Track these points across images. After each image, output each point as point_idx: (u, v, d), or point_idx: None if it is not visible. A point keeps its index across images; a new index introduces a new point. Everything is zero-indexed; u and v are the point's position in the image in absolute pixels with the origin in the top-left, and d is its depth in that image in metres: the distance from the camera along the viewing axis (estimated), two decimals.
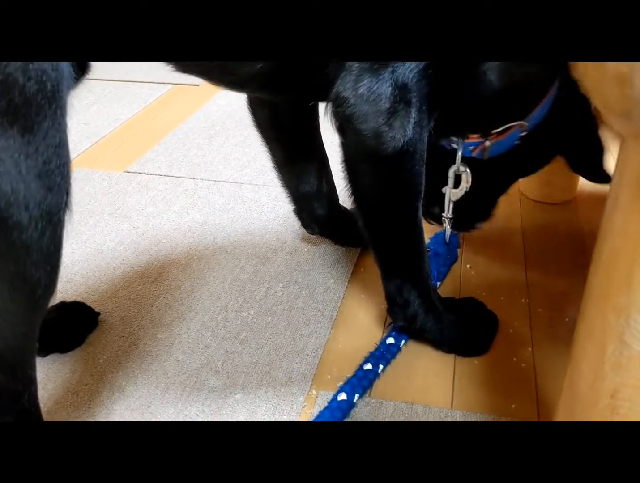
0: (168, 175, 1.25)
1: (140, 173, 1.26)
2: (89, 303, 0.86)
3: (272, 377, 0.75)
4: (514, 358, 0.78)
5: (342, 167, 0.69)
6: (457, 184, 0.80)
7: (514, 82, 0.70)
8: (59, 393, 0.74)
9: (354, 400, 0.70)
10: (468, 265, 0.96)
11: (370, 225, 0.72)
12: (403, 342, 0.80)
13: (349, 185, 0.70)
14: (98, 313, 0.85)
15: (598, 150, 0.84)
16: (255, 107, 0.88)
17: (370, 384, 0.73)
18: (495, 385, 0.74)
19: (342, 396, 0.69)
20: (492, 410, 0.71)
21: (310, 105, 0.88)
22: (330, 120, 0.65)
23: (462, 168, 0.78)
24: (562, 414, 0.44)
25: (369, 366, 0.74)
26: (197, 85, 1.77)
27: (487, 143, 0.76)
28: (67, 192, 0.48)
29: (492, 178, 0.84)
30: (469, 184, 0.78)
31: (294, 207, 0.97)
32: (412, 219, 0.70)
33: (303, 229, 1.01)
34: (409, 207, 0.69)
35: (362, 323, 0.85)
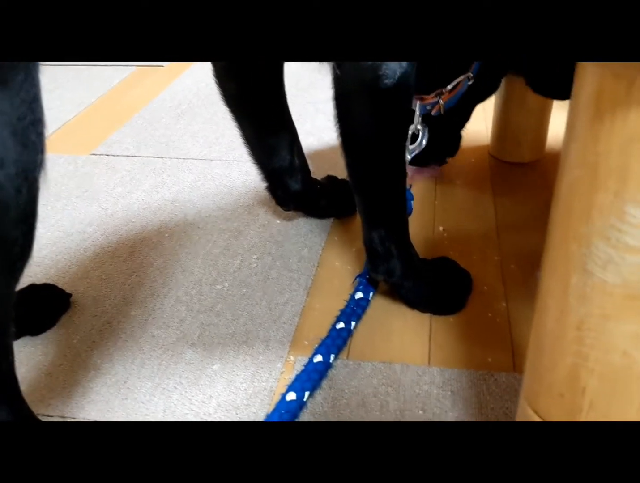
0: (136, 156, 1.23)
1: (107, 155, 1.24)
2: (60, 286, 0.85)
3: (249, 346, 0.75)
4: (489, 314, 0.79)
5: (335, 104, 0.68)
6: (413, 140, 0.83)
7: None
8: (32, 376, 0.72)
9: (330, 361, 0.70)
10: (441, 228, 0.96)
11: (359, 166, 0.72)
12: (371, 294, 0.80)
13: (340, 123, 0.69)
14: (69, 295, 0.84)
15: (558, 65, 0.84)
16: (223, 80, 0.86)
17: (344, 343, 0.73)
18: (471, 340, 0.75)
19: (318, 358, 0.69)
20: (469, 364, 0.71)
21: (278, 77, 0.87)
22: None
23: (419, 127, 0.79)
24: (532, 353, 0.45)
25: (341, 325, 0.74)
26: (162, 66, 1.74)
27: (441, 102, 0.78)
28: (42, 150, 0.46)
29: (450, 122, 0.86)
30: (426, 141, 0.80)
31: (267, 184, 0.95)
32: (401, 160, 0.70)
33: (275, 203, 1.00)
34: (398, 145, 0.69)
35: (338, 289, 0.85)
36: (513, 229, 0.95)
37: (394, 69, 0.61)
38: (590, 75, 0.32)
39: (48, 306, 0.81)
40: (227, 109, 0.89)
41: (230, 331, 0.78)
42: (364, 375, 0.70)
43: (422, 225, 0.97)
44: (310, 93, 1.48)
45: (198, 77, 1.63)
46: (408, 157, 0.79)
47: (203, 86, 1.56)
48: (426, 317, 0.79)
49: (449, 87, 0.82)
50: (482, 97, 0.94)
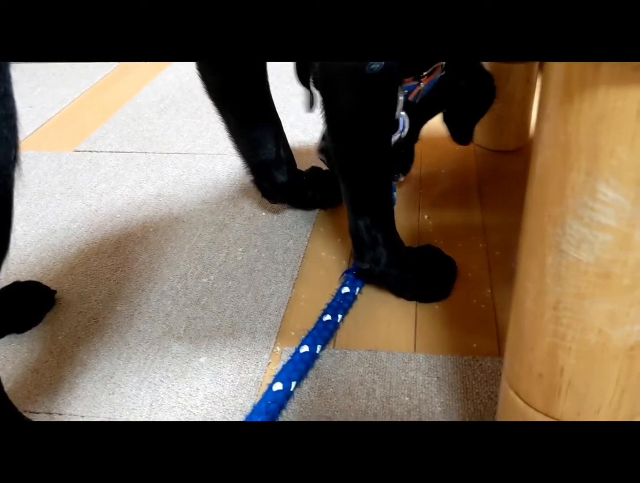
0: (119, 151, 1.22)
1: (90, 151, 1.23)
2: (44, 283, 0.84)
3: (235, 339, 0.75)
4: (474, 300, 0.79)
5: (321, 90, 0.68)
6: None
7: None
8: (18, 373, 0.72)
9: (317, 352, 0.70)
10: (425, 216, 0.97)
11: (345, 152, 0.72)
12: (358, 289, 0.81)
13: (326, 109, 0.69)
14: (54, 292, 0.83)
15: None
16: (206, 72, 0.86)
17: (331, 335, 0.73)
18: (457, 327, 0.75)
19: (305, 348, 0.69)
20: (455, 350, 0.72)
21: (261, 69, 0.87)
22: None
23: (402, 113, 0.79)
24: (512, 335, 0.45)
25: (327, 317, 0.74)
26: (145, 61, 1.73)
27: (422, 85, 0.79)
28: (15, 146, 0.46)
29: (425, 114, 0.89)
30: (407, 128, 0.80)
31: (252, 177, 0.95)
32: (387, 146, 0.71)
33: (260, 195, 1.00)
34: (384, 130, 0.69)
35: (324, 280, 0.85)
36: (498, 216, 0.95)
37: None
38: None
39: (33, 303, 0.80)
40: (211, 101, 0.89)
41: (217, 324, 0.78)
42: (350, 363, 0.70)
43: (406, 213, 0.97)
44: (293, 85, 1.47)
45: (181, 71, 1.62)
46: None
47: (186, 81, 1.55)
48: (412, 304, 0.79)
49: (428, 70, 0.83)
50: (435, 110, 0.93)
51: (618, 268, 0.34)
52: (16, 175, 0.48)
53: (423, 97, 0.85)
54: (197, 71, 0.85)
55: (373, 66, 0.62)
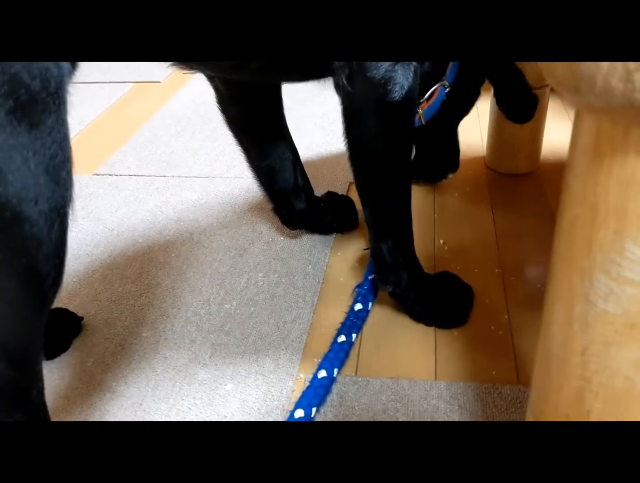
0: (138, 175, 1.25)
1: (109, 175, 1.26)
2: (71, 309, 0.87)
3: (259, 365, 0.77)
4: (492, 327, 0.81)
5: (345, 120, 0.71)
6: None
7: None
8: (49, 400, 0.74)
9: (334, 375, 0.73)
10: (441, 241, 0.99)
11: (368, 179, 0.74)
12: (370, 304, 0.84)
13: (350, 138, 0.72)
14: (81, 318, 0.85)
15: (518, 90, 0.91)
16: (226, 106, 0.89)
17: (346, 355, 0.76)
18: (476, 353, 0.77)
19: (322, 373, 0.72)
20: (474, 377, 0.74)
21: (277, 101, 0.90)
22: (338, 73, 0.66)
23: None
24: (538, 375, 0.47)
25: (342, 338, 0.77)
26: (159, 82, 1.76)
27: (420, 111, 0.82)
28: (71, 186, 0.49)
29: (438, 135, 0.93)
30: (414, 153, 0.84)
31: (272, 205, 0.98)
32: (407, 171, 0.73)
33: (277, 218, 1.03)
34: (405, 157, 0.72)
35: (343, 305, 0.87)
36: (512, 240, 0.97)
37: (401, 83, 0.65)
38: (588, 119, 0.35)
39: (61, 330, 0.83)
40: (231, 133, 0.91)
41: (241, 350, 0.80)
42: (373, 391, 0.72)
43: (422, 238, 0.99)
44: (306, 106, 1.50)
45: (195, 93, 1.65)
46: None
47: (200, 102, 1.58)
48: (431, 331, 0.81)
49: (426, 95, 0.86)
50: (465, 108, 0.98)
51: None
52: (70, 213, 0.51)
53: (433, 115, 0.88)
54: (217, 105, 0.88)
55: (395, 94, 0.65)
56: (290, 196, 0.94)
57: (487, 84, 1.16)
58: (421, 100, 0.85)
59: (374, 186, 0.75)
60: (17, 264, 0.47)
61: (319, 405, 0.70)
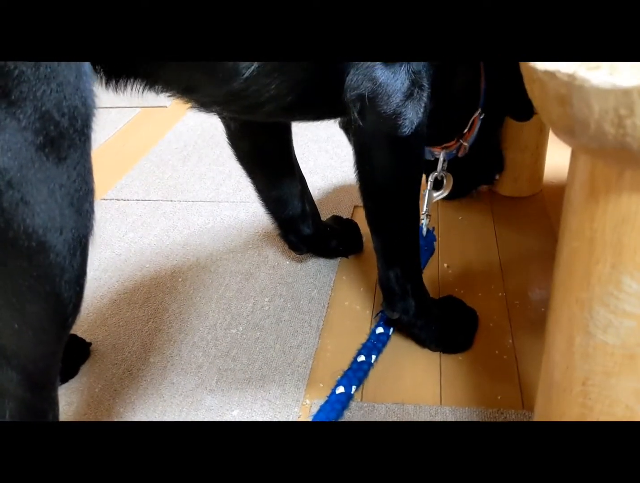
0: (145, 200, 1.26)
1: (117, 199, 1.28)
2: (79, 334, 0.88)
3: (266, 391, 0.78)
4: (496, 351, 0.82)
5: (356, 153, 0.73)
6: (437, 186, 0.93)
7: (469, 82, 0.80)
8: None
9: (352, 392, 0.74)
10: (445, 265, 1.00)
11: (379, 209, 0.76)
12: (392, 329, 0.85)
13: (360, 170, 0.74)
14: (89, 343, 0.87)
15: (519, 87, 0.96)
16: (236, 139, 0.91)
17: (365, 375, 0.78)
18: (481, 378, 0.78)
19: (340, 389, 0.73)
20: (480, 403, 0.74)
21: (287, 134, 0.92)
22: (350, 108, 0.68)
23: (442, 174, 0.84)
24: (541, 402, 0.48)
25: (362, 358, 0.79)
26: (166, 107, 1.79)
27: (465, 144, 0.84)
28: (93, 217, 0.51)
29: (482, 151, 0.97)
30: (450, 186, 0.86)
31: (279, 231, 0.99)
32: (416, 202, 0.75)
33: (283, 242, 1.04)
34: (415, 189, 0.74)
35: (349, 330, 0.87)
36: (516, 264, 0.98)
37: (411, 119, 0.67)
38: (584, 159, 0.36)
39: (70, 356, 0.83)
40: (241, 166, 0.94)
41: (247, 376, 0.80)
42: (379, 417, 0.73)
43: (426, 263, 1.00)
44: (311, 131, 1.52)
45: (201, 117, 1.67)
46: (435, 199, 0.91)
47: (207, 127, 1.60)
48: (435, 355, 0.81)
49: (466, 129, 0.90)
50: (499, 121, 1.02)
51: None
52: (91, 242, 0.52)
53: (474, 141, 0.93)
54: (227, 140, 0.90)
55: (405, 129, 0.67)
56: (297, 223, 0.96)
57: None
58: (464, 132, 0.89)
59: (384, 216, 0.76)
60: (41, 291, 0.49)
61: (336, 419, 0.71)
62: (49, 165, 0.46)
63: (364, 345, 0.82)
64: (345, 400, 0.73)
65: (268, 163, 0.92)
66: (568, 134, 0.33)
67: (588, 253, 0.37)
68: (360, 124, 0.67)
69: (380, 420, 0.72)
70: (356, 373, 0.77)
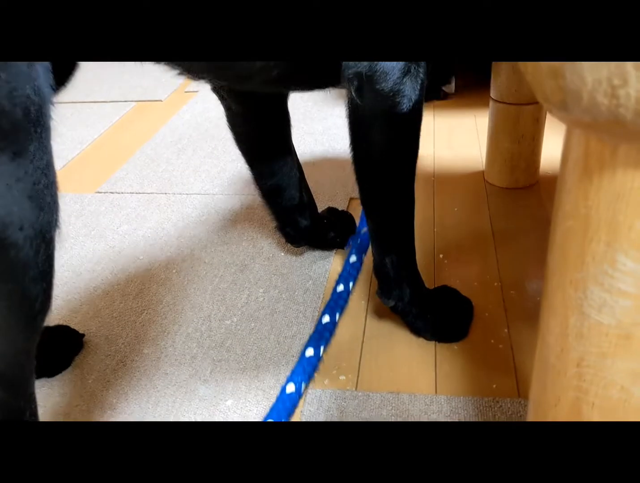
0: (140, 193, 1.26)
1: (111, 192, 1.27)
2: (72, 326, 0.87)
3: (260, 381, 0.77)
4: (492, 340, 0.81)
5: (352, 131, 0.72)
6: None
7: None
8: (50, 417, 0.74)
9: (336, 320, 0.84)
10: (441, 255, 0.99)
11: (374, 191, 0.75)
12: (364, 255, 0.96)
13: (356, 150, 0.73)
14: (82, 335, 0.86)
15: None
16: (236, 123, 0.90)
17: (345, 302, 0.88)
18: (476, 367, 0.77)
19: (326, 318, 0.83)
20: (475, 391, 0.74)
21: (285, 118, 0.91)
22: (347, 86, 0.67)
23: None
24: (535, 387, 0.47)
25: (341, 287, 0.86)
26: (161, 101, 1.78)
27: None
28: (57, 211, 0.49)
29: None
30: None
31: (276, 223, 0.99)
32: (412, 184, 0.74)
33: (278, 234, 1.04)
34: (412, 168, 0.73)
35: (343, 320, 0.87)
36: (512, 254, 0.98)
37: (409, 96, 0.66)
38: (576, 137, 0.35)
39: (62, 347, 0.83)
40: (239, 151, 0.93)
41: (241, 366, 0.80)
42: (374, 406, 0.72)
43: (422, 253, 0.99)
44: (307, 124, 1.52)
45: (196, 111, 1.66)
46: None
47: (202, 120, 1.60)
48: (431, 345, 0.81)
49: None
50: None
51: (638, 331, 0.37)
52: (57, 237, 0.51)
53: None
54: (227, 122, 0.90)
55: (403, 106, 0.66)
56: (295, 213, 0.95)
57: (484, 99, 1.18)
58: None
59: (380, 198, 0.75)
60: (4, 289, 0.47)
61: (325, 345, 0.80)
62: (4, 159, 0.44)
63: (341, 275, 0.91)
64: (332, 328, 0.82)
65: (266, 147, 0.91)
66: (561, 108, 0.32)
67: (582, 232, 0.37)
68: (358, 102, 0.67)
69: (375, 410, 0.71)
70: (338, 303, 0.86)
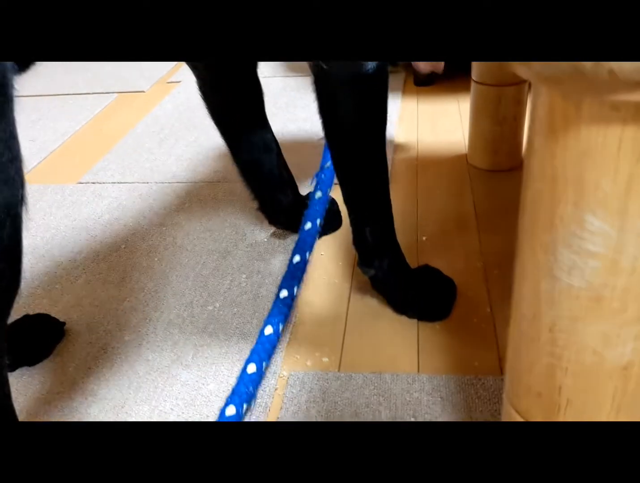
0: (122, 182, 1.24)
1: (93, 183, 1.26)
2: (53, 315, 0.86)
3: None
4: (474, 319, 0.81)
5: (319, 98, 0.72)
6: None
7: None
8: (30, 405, 0.74)
9: (307, 258, 0.85)
10: (424, 237, 0.99)
11: (345, 155, 0.75)
12: (329, 189, 0.95)
13: (325, 117, 0.73)
14: (63, 323, 0.85)
15: None
16: (208, 93, 0.90)
17: (314, 241, 0.88)
18: (459, 346, 0.77)
19: (297, 258, 0.83)
20: (457, 370, 0.73)
21: (257, 87, 0.91)
22: None
23: None
24: (511, 356, 0.47)
25: (308, 225, 0.87)
26: (144, 92, 1.76)
27: None
28: (22, 185, 0.48)
29: None
30: None
31: (257, 203, 0.98)
32: (384, 148, 0.74)
33: (261, 221, 1.03)
34: (382, 131, 0.73)
35: (325, 304, 0.87)
36: (494, 235, 0.98)
37: None
38: (542, 96, 0.35)
39: (43, 336, 0.82)
40: (214, 123, 0.92)
41: (224, 351, 0.79)
42: (356, 386, 0.72)
43: (404, 235, 0.99)
44: (290, 112, 1.51)
45: (179, 101, 1.65)
46: None
47: (184, 110, 1.58)
48: (414, 325, 0.81)
49: None
50: None
51: (608, 292, 0.36)
52: (24, 213, 0.50)
53: None
54: (199, 92, 0.89)
55: (369, 67, 0.66)
56: (275, 191, 0.95)
57: (468, 84, 1.17)
58: None
59: (351, 164, 0.75)
60: None
61: (299, 283, 0.83)
62: None
63: (307, 213, 0.89)
64: (304, 267, 0.83)
65: (238, 117, 0.91)
66: (524, 63, 0.32)
67: (550, 194, 0.36)
68: (324, 66, 0.66)
69: (357, 390, 0.71)
70: (307, 241, 0.85)
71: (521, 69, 0.32)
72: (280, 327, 0.76)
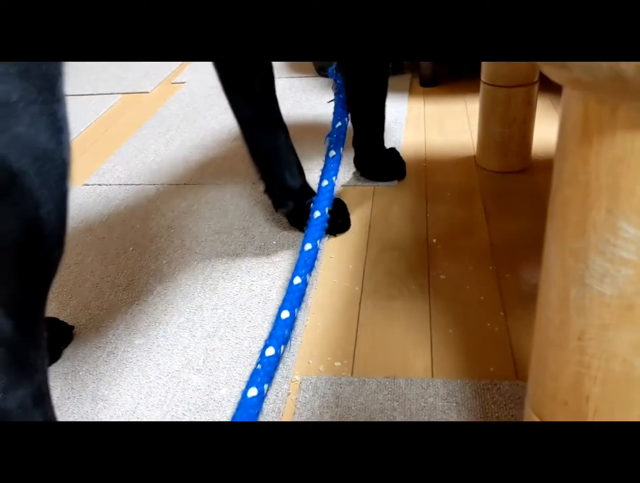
0: (128, 184, 1.24)
1: (99, 185, 1.25)
2: (61, 318, 0.85)
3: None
4: (488, 323, 0.80)
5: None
6: None
7: None
8: None
9: (318, 247, 0.92)
10: (434, 240, 0.98)
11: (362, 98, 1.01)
12: (341, 149, 1.06)
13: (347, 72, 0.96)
14: (72, 327, 0.84)
15: None
16: (222, 69, 0.91)
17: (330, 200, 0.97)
18: (473, 350, 0.76)
19: (308, 246, 0.89)
20: (472, 375, 0.73)
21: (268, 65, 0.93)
22: None
23: None
24: (535, 364, 0.46)
25: (325, 183, 0.97)
26: (148, 93, 1.75)
27: None
28: (69, 148, 0.50)
29: None
30: None
31: (264, 184, 1.00)
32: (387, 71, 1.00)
33: (270, 223, 1.02)
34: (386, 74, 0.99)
35: (337, 307, 0.86)
36: (505, 237, 0.97)
37: None
38: (575, 100, 0.34)
39: (52, 340, 0.81)
40: (226, 97, 0.93)
41: (235, 355, 0.78)
42: (370, 391, 0.71)
43: (415, 238, 0.98)
44: (297, 113, 1.50)
45: (184, 102, 1.64)
46: None
47: (190, 111, 1.58)
48: (426, 328, 0.80)
49: None
50: None
51: None
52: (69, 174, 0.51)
53: None
54: (215, 69, 0.90)
55: None
56: (282, 169, 0.97)
57: (474, 85, 1.17)
58: None
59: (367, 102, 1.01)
60: (19, 215, 0.46)
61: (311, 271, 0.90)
62: (47, 96, 0.45)
63: (323, 170, 1.01)
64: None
65: (251, 90, 0.92)
66: (562, 67, 0.31)
67: (582, 200, 0.36)
68: None
69: (371, 395, 0.70)
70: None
71: (559, 74, 0.31)
72: (296, 312, 0.82)
